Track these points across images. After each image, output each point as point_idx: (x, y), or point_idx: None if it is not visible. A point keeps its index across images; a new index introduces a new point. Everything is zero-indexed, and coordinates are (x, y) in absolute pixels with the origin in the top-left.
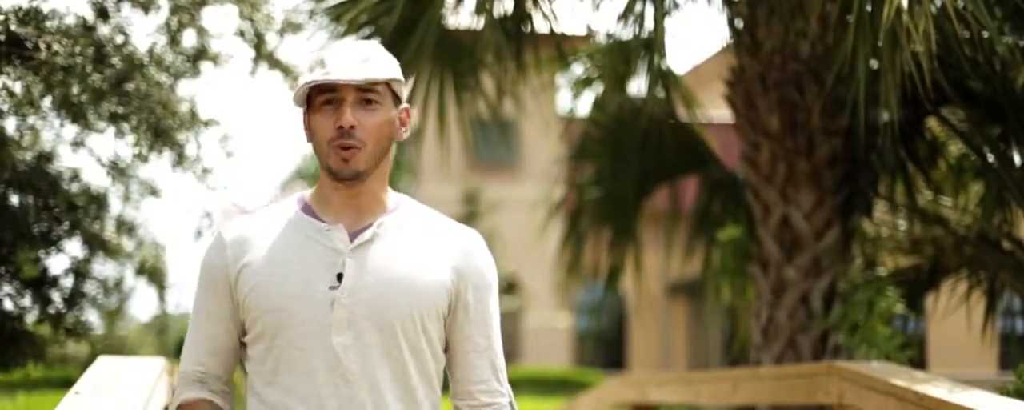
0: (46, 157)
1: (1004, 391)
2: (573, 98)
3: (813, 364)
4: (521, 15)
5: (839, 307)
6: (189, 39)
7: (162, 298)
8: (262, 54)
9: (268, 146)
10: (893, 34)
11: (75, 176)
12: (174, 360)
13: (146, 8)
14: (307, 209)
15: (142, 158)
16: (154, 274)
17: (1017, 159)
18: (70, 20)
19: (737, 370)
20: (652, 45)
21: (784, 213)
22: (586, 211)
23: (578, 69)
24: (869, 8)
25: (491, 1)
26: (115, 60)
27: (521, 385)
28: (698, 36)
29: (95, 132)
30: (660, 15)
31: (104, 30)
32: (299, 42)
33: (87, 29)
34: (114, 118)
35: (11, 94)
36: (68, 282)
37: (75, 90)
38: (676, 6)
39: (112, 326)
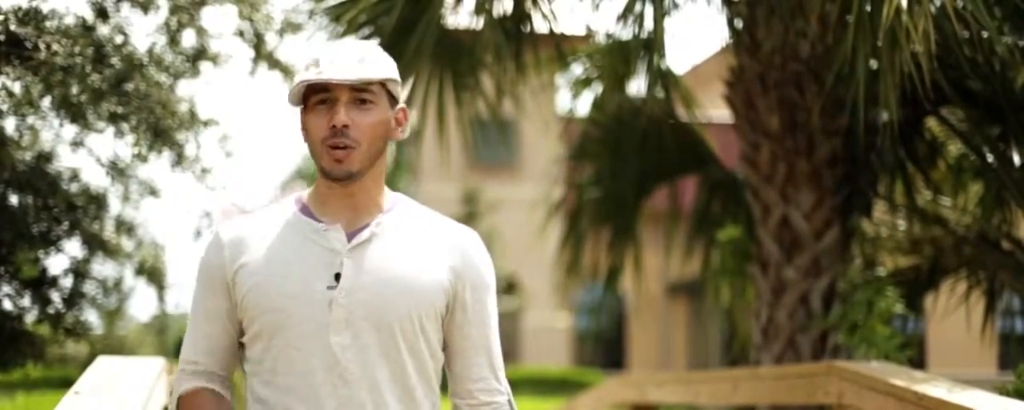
0: (45, 157)
1: (1004, 391)
2: (572, 98)
3: (813, 364)
4: (520, 15)
5: (839, 307)
6: (189, 39)
7: (161, 298)
8: (262, 54)
9: (268, 146)
10: (893, 34)
11: (74, 176)
12: (173, 360)
13: (146, 8)
14: (305, 209)
15: (141, 158)
16: (153, 274)
17: (1017, 159)
18: (70, 20)
19: (737, 370)
20: (652, 45)
21: (784, 213)
22: (586, 211)
23: (577, 69)
24: (869, 8)
25: (490, 1)
26: (115, 60)
27: (521, 385)
28: (698, 36)
29: (94, 132)
30: (660, 15)
31: (104, 30)
32: (299, 42)
33: (87, 29)
34: (113, 118)
35: (11, 94)
36: (67, 282)
37: (75, 90)
38: (676, 6)
39: (111, 326)
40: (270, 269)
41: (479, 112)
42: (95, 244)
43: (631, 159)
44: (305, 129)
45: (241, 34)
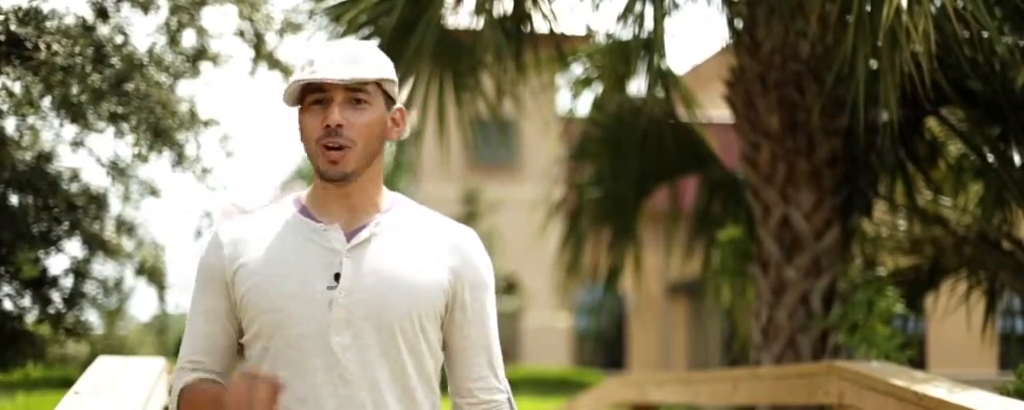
0: (46, 157)
1: (1004, 391)
2: (573, 98)
3: (813, 364)
4: (521, 15)
5: (839, 307)
6: (189, 39)
7: (162, 298)
8: (262, 54)
9: (268, 146)
10: (893, 34)
11: (75, 176)
12: (174, 360)
13: (146, 8)
14: (304, 210)
15: (142, 158)
16: (154, 274)
17: (1017, 159)
18: (70, 20)
19: (737, 370)
20: (652, 45)
21: (784, 213)
22: (586, 211)
23: (578, 69)
24: (869, 8)
25: (491, 1)
26: (115, 60)
27: (521, 385)
28: (698, 36)
29: (95, 132)
30: (660, 15)
31: (104, 30)
32: (299, 42)
33: (87, 29)
34: (114, 118)
35: (11, 94)
36: (68, 282)
37: (75, 90)
38: (676, 6)
39: (112, 326)
40: (269, 269)
41: (479, 112)
42: (95, 244)
43: (631, 159)
44: (301, 129)
45: (241, 34)
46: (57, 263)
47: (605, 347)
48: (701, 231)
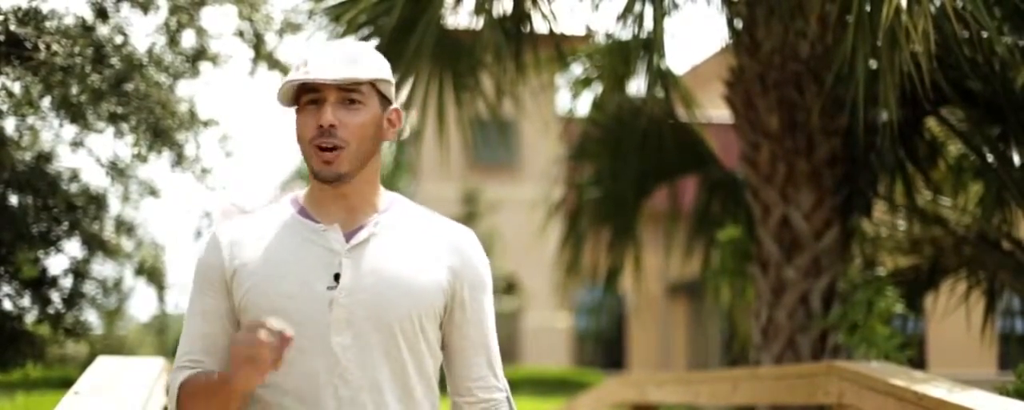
0: (45, 157)
1: (1004, 391)
2: (572, 98)
3: (813, 364)
4: (520, 15)
5: (838, 307)
6: (188, 39)
7: (161, 298)
8: (261, 54)
9: (268, 146)
10: (892, 34)
11: (74, 176)
12: (173, 360)
13: (145, 8)
14: (302, 210)
15: (141, 158)
16: (153, 274)
17: (1016, 159)
18: (69, 20)
19: (737, 370)
20: (651, 45)
21: (784, 213)
22: (585, 211)
23: (577, 69)
24: (868, 8)
25: (490, 1)
26: (114, 60)
27: (521, 385)
28: (697, 36)
29: (94, 132)
30: (659, 15)
31: (103, 30)
32: (298, 42)
33: (86, 29)
34: (113, 118)
35: (10, 94)
36: (67, 282)
37: (74, 90)
38: (675, 6)
39: (111, 326)
40: (269, 270)
41: (479, 112)
42: (95, 244)
43: (631, 159)
44: (296, 129)
45: (241, 34)
46: (57, 263)
47: (605, 347)
48: (701, 231)
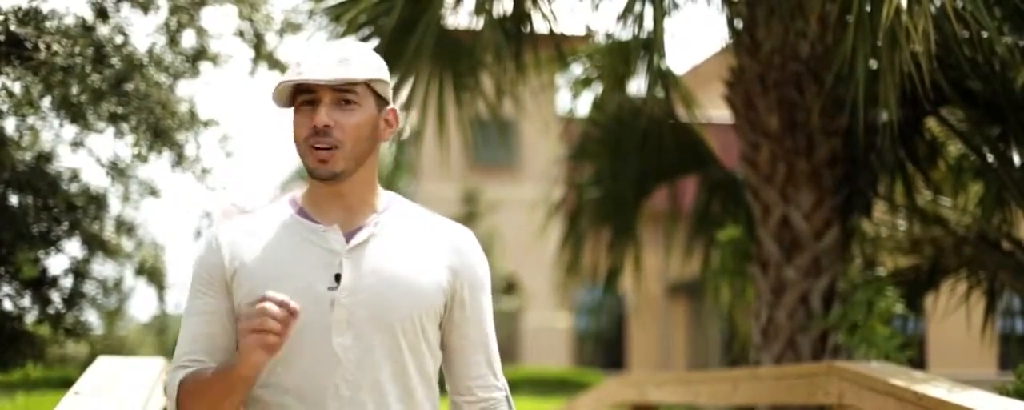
0: (45, 157)
1: (1004, 391)
2: (572, 98)
3: (813, 364)
4: (520, 15)
5: (839, 307)
6: (188, 39)
7: (161, 298)
8: (261, 54)
9: (268, 146)
10: (892, 34)
11: (74, 176)
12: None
13: (145, 8)
14: (300, 211)
15: (141, 158)
16: (153, 274)
17: (1016, 159)
18: (69, 20)
19: (737, 370)
20: (651, 45)
21: (784, 213)
22: (585, 211)
23: (577, 69)
24: (868, 8)
25: (490, 1)
26: (114, 60)
27: (521, 385)
28: (698, 36)
29: (94, 132)
30: (659, 15)
31: (103, 30)
32: (298, 42)
33: (86, 29)
34: (113, 118)
35: (11, 94)
36: (67, 282)
37: (74, 90)
38: (675, 6)
39: (111, 326)
40: (268, 270)
41: (479, 112)
42: (95, 244)
43: (631, 159)
44: (293, 129)
45: (241, 34)
46: (57, 263)
47: (605, 347)
48: (701, 231)
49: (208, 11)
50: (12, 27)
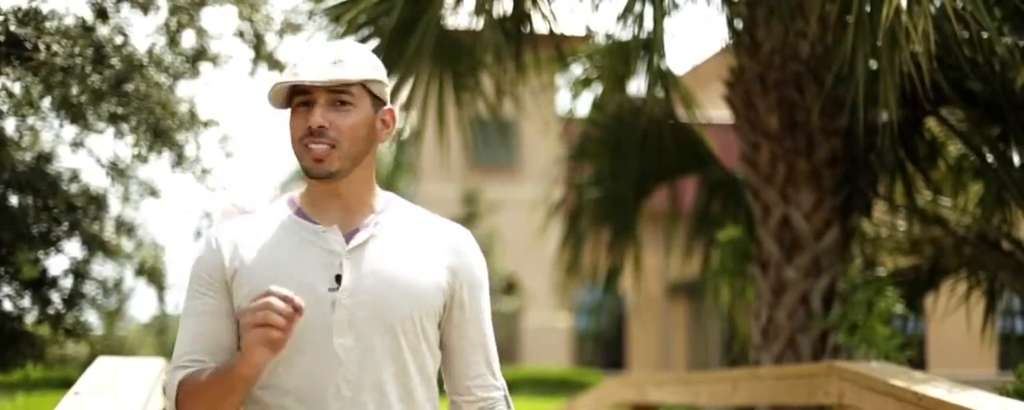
0: (45, 158)
1: (1004, 391)
2: (572, 98)
3: (813, 364)
4: (520, 15)
5: (839, 307)
6: (188, 40)
7: (161, 299)
8: (261, 55)
9: (268, 146)
10: (892, 34)
11: (74, 177)
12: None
13: (145, 9)
14: (299, 211)
15: (141, 159)
16: (153, 275)
17: (1016, 159)
18: (69, 21)
19: (737, 370)
20: (651, 45)
21: (784, 213)
22: (585, 211)
23: (577, 69)
24: (868, 8)
25: (490, 1)
26: (114, 61)
27: (521, 385)
28: (697, 36)
29: (94, 133)
30: (659, 15)
31: (103, 31)
32: (298, 43)
33: (86, 30)
34: (113, 119)
35: (10, 95)
36: (67, 283)
37: (74, 91)
38: (675, 6)
39: (111, 327)
40: (269, 271)
41: (479, 112)
42: (95, 245)
43: (631, 159)
44: (289, 130)
45: (241, 35)
46: (57, 264)
47: (605, 347)
48: (701, 231)
49: (208, 11)
50: (12, 27)
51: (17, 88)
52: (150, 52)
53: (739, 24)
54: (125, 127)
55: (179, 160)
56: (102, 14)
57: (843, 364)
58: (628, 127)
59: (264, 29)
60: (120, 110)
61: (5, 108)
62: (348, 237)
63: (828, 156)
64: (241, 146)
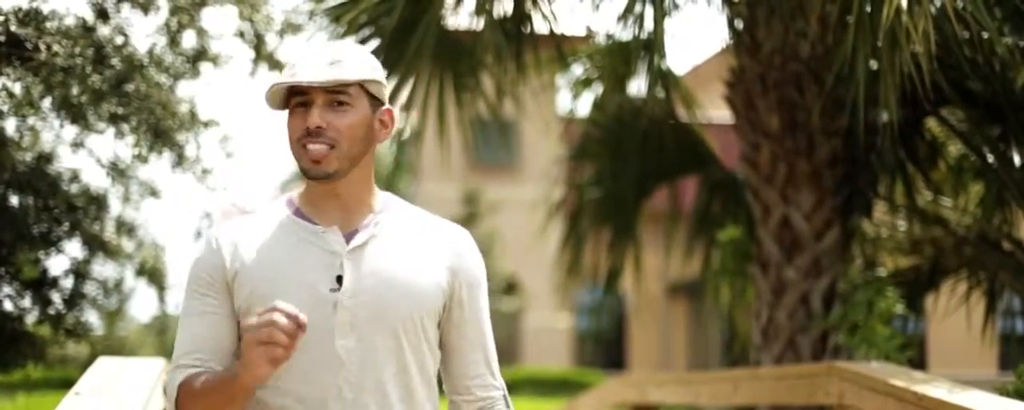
0: (46, 158)
1: (1004, 391)
2: (573, 99)
3: (813, 365)
4: (521, 16)
5: (839, 307)
6: (189, 40)
7: (162, 299)
8: (262, 55)
9: (268, 147)
10: (893, 35)
11: (75, 177)
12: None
13: (146, 9)
14: (298, 212)
15: (142, 159)
16: (154, 275)
17: (1017, 159)
18: (70, 21)
19: (737, 370)
20: (652, 46)
21: (784, 213)
22: (586, 211)
23: (578, 70)
24: (869, 9)
25: (491, 2)
26: (115, 61)
27: (521, 386)
28: (698, 36)
29: (95, 133)
30: (660, 16)
31: (104, 31)
32: (299, 43)
33: (87, 30)
34: (114, 119)
35: (11, 95)
36: (68, 283)
37: (75, 91)
38: (676, 6)
39: (112, 327)
40: (269, 272)
41: (479, 113)
42: (95, 245)
43: (631, 159)
44: (287, 131)
45: (241, 35)
46: (57, 264)
47: (605, 347)
48: (701, 231)
49: (208, 12)
50: (13, 28)
51: (17, 88)
52: (150, 52)
53: (739, 24)
54: (125, 127)
55: (179, 160)
56: (103, 14)
57: (843, 364)
58: (628, 127)
59: (264, 29)
60: (120, 110)
61: (6, 108)
62: (348, 237)
63: (828, 156)
64: (241, 146)
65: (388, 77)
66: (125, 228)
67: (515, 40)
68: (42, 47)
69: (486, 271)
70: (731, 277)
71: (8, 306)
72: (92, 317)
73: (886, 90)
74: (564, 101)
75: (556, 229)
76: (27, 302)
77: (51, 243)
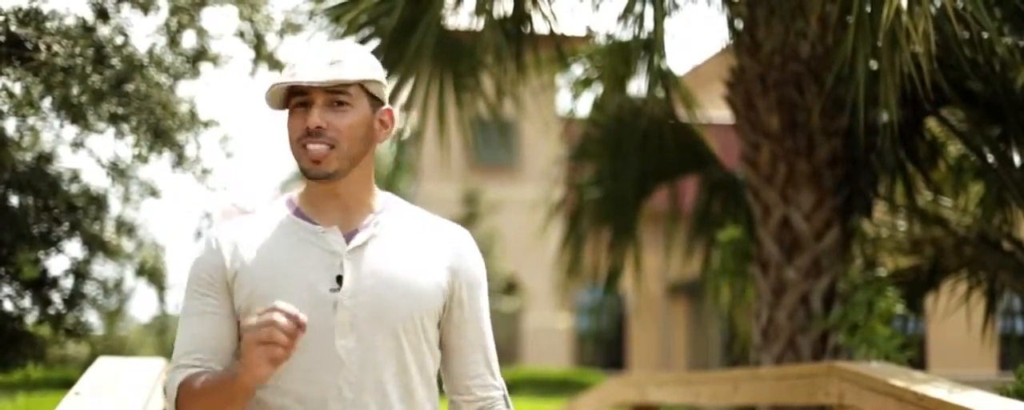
0: (46, 158)
1: (1004, 391)
2: (573, 99)
3: (813, 365)
4: (521, 16)
5: (839, 308)
6: (189, 40)
7: (162, 299)
8: (262, 55)
9: (268, 147)
10: (893, 35)
11: (75, 177)
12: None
13: (146, 9)
14: (298, 212)
15: (142, 159)
16: (154, 275)
17: (1017, 159)
18: (70, 21)
19: (737, 371)
20: (652, 45)
21: (784, 214)
22: (586, 211)
23: (578, 70)
24: (869, 9)
25: (491, 2)
26: (115, 61)
27: (521, 386)
28: (698, 36)
29: (95, 133)
30: (660, 16)
31: (104, 31)
32: (299, 43)
33: (87, 30)
34: (114, 119)
35: (11, 95)
36: (68, 283)
37: (75, 91)
38: (676, 6)
39: (112, 327)
40: (269, 272)
41: (479, 113)
42: (95, 245)
43: (631, 159)
44: (287, 131)
45: (241, 35)
46: (57, 264)
47: (605, 347)
48: (701, 231)
49: (208, 12)
50: (13, 28)
51: (18, 88)
52: (150, 52)
53: (739, 24)
54: (125, 127)
55: (179, 160)
56: (103, 14)
57: (843, 364)
58: (628, 127)
59: (264, 29)
60: (120, 110)
61: (6, 108)
62: (348, 237)
63: (828, 156)
64: (241, 146)
65: (388, 77)
66: (125, 228)
67: (515, 40)
68: (42, 47)
69: (486, 271)
70: (731, 277)
71: (8, 306)
72: (92, 317)
73: (886, 90)
74: (564, 101)
75: (556, 229)
76: (27, 302)
77: (51, 243)
